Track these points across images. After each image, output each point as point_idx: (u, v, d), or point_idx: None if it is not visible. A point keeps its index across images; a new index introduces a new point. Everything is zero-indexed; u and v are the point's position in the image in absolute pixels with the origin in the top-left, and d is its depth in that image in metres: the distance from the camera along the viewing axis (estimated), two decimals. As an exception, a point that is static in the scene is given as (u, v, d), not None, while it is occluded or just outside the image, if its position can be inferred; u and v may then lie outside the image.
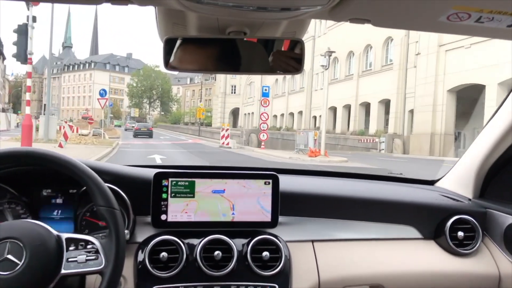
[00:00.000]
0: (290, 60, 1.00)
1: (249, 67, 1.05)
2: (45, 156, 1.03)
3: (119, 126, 63.69)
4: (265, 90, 23.51)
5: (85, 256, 0.98)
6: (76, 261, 0.97)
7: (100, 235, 1.07)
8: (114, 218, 1.02)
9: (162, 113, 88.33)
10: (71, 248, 0.98)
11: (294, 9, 0.80)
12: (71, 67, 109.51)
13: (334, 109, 33.89)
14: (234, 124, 65.54)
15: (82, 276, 1.10)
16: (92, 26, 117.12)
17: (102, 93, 23.02)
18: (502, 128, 1.47)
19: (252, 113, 51.07)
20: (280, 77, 41.59)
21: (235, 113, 66.11)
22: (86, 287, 1.15)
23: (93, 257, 0.98)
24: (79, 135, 25.29)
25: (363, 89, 30.14)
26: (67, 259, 0.97)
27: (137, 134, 33.31)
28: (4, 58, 63.36)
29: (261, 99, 22.99)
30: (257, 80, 49.42)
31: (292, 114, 44.25)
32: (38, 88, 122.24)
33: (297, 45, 0.99)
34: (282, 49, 1.01)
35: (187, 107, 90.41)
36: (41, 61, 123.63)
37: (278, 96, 45.24)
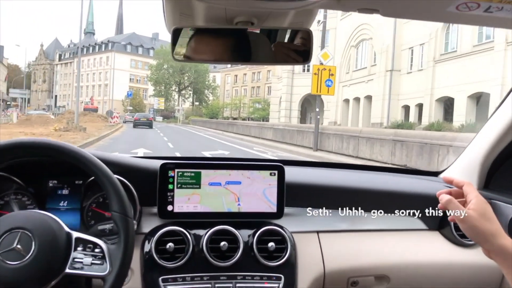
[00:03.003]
0: (299, 50, 1.00)
1: (258, 57, 1.04)
2: (70, 152, 1.04)
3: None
4: None
5: (91, 259, 0.98)
6: (81, 262, 0.97)
7: (110, 240, 1.07)
8: (126, 226, 1.01)
9: (197, 103, 66.26)
10: (79, 249, 0.98)
11: None
12: (85, 49, 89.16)
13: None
14: (303, 119, 43.55)
15: (88, 279, 1.09)
16: (116, 11, 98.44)
17: None
18: (507, 120, 1.47)
19: (369, 97, 27.62)
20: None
21: (307, 102, 43.97)
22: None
23: (98, 262, 0.98)
24: None
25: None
26: (73, 259, 0.97)
27: (137, 124, 33.46)
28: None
29: None
30: (379, 35, 26.02)
31: (443, 100, 21.77)
32: (49, 76, 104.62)
33: (305, 35, 0.99)
34: (291, 39, 1.01)
35: (227, 97, 68.62)
36: (52, 45, 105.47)
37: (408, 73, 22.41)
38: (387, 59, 25.66)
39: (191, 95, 67.56)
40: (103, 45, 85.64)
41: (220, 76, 71.96)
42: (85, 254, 0.98)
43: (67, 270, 0.95)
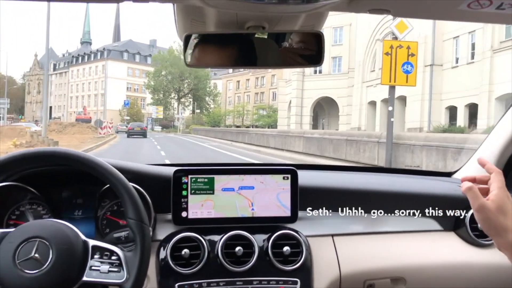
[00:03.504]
0: (310, 52, 1.01)
1: (270, 61, 1.07)
2: (85, 161, 1.05)
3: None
4: None
5: (108, 266, 0.99)
6: (98, 270, 0.98)
7: (126, 248, 1.09)
8: (142, 232, 1.02)
9: (198, 110, 62.03)
10: (96, 256, 1.00)
11: (314, 0, 0.79)
12: (80, 58, 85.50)
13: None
14: (315, 125, 39.87)
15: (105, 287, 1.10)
16: (113, 19, 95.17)
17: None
18: None
19: (402, 98, 23.48)
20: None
21: (318, 107, 40.33)
22: None
23: (115, 269, 0.99)
24: None
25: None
26: (91, 266, 0.98)
27: (131, 134, 33.81)
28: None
29: None
30: (413, 25, 21.84)
31: (504, 98, 17.70)
32: (43, 87, 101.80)
33: (316, 37, 1.00)
34: (302, 42, 1.02)
35: (229, 104, 64.86)
36: (47, 55, 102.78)
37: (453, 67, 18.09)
38: (425, 53, 21.63)
39: (191, 102, 63.65)
40: (99, 53, 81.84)
41: (221, 83, 68.15)
42: (102, 262, 0.99)
43: (85, 278, 0.95)
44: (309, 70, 39.25)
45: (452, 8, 0.78)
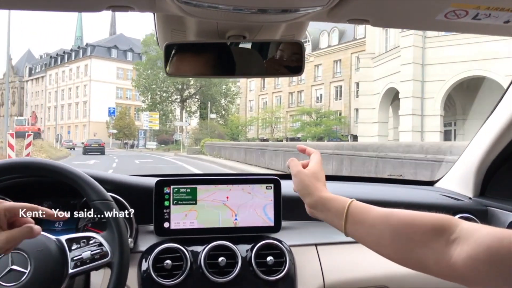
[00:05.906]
0: (291, 62, 1.03)
1: (250, 70, 1.08)
2: (30, 164, 1.06)
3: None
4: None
5: (89, 251, 0.99)
6: (82, 258, 0.99)
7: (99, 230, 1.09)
8: (110, 209, 1.03)
9: (212, 115, 42.45)
10: (73, 248, 1.00)
11: (294, 10, 0.81)
12: (59, 58, 66.89)
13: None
14: (447, 135, 20.13)
15: (86, 275, 1.12)
16: (109, 23, 78.68)
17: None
18: (500, 125, 1.48)
19: None
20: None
21: (451, 100, 20.62)
22: (92, 287, 1.18)
23: (98, 251, 1.00)
24: None
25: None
26: (72, 258, 0.98)
27: (87, 151, 32.09)
28: None
29: None
30: None
31: None
32: (19, 96, 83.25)
33: (297, 47, 1.02)
34: (282, 51, 1.04)
35: (251, 111, 45.91)
36: (24, 58, 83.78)
37: None
38: None
39: (199, 106, 44.26)
40: (81, 51, 63.27)
41: (240, 83, 49.09)
42: (82, 250, 0.99)
43: (71, 271, 0.97)
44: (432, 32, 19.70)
45: (430, 18, 0.81)
